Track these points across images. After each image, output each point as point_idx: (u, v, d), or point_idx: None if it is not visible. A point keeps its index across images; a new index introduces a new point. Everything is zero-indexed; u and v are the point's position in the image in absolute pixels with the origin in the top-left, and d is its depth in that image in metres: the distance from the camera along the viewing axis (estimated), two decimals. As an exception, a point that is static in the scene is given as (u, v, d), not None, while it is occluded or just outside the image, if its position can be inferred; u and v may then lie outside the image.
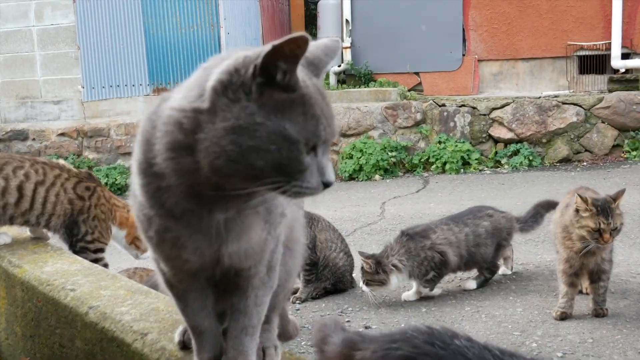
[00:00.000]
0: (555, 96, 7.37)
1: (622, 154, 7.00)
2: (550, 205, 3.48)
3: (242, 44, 8.64)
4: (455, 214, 3.57)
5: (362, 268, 3.20)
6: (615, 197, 2.75)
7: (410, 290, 3.30)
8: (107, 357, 1.58)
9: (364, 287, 3.20)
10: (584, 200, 2.72)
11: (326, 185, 1.01)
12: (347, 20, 8.70)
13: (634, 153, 6.89)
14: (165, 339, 1.44)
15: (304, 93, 0.98)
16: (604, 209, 2.69)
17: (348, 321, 3.06)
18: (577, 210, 2.74)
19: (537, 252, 3.96)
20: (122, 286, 1.83)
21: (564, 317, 2.87)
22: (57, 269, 2.03)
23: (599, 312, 2.87)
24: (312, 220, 3.52)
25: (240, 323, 1.20)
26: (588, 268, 2.85)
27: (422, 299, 3.30)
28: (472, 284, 3.39)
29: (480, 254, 3.31)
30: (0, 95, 8.81)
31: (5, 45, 8.71)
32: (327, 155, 1.04)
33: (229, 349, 1.21)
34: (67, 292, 1.81)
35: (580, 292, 3.03)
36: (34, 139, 8.31)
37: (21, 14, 8.61)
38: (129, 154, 7.85)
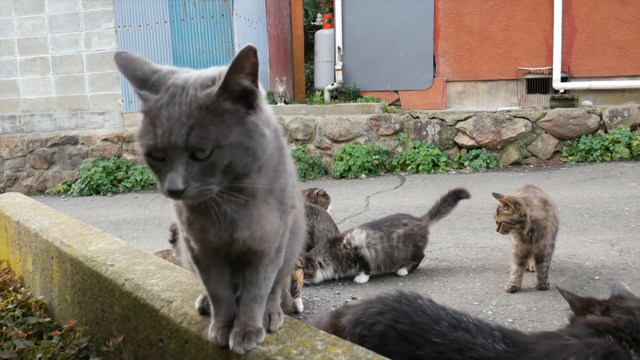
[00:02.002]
0: (508, 111, 7.36)
1: (561, 159, 7.00)
2: (461, 193, 3.31)
3: (253, 66, 8.60)
4: (374, 220, 3.41)
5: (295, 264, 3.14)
6: (500, 200, 2.78)
7: (359, 276, 3.23)
8: (140, 320, 1.57)
9: None
10: (498, 199, 2.81)
11: (169, 192, 0.91)
12: (339, 48, 8.68)
13: (571, 158, 6.90)
14: (187, 306, 1.43)
15: (146, 109, 0.92)
16: (497, 208, 2.79)
17: (338, 293, 3.04)
18: None
19: (492, 237, 3.95)
20: (152, 262, 1.81)
21: (514, 290, 2.86)
22: (99, 248, 2.01)
23: (542, 286, 2.87)
24: (313, 212, 3.47)
25: (251, 293, 1.19)
26: (534, 252, 2.85)
27: (399, 276, 3.28)
28: (404, 271, 3.28)
29: (396, 255, 3.18)
30: (56, 108, 8.77)
31: (61, 67, 8.67)
32: (176, 163, 0.91)
33: (240, 314, 1.19)
34: (108, 267, 1.79)
35: (528, 270, 3.03)
36: (82, 144, 8.27)
37: (73, 42, 8.57)
38: (160, 156, 7.82)
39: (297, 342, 1.18)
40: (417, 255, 3.29)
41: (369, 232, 3.20)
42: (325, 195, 3.82)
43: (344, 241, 3.20)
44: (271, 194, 1.09)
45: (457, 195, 3.35)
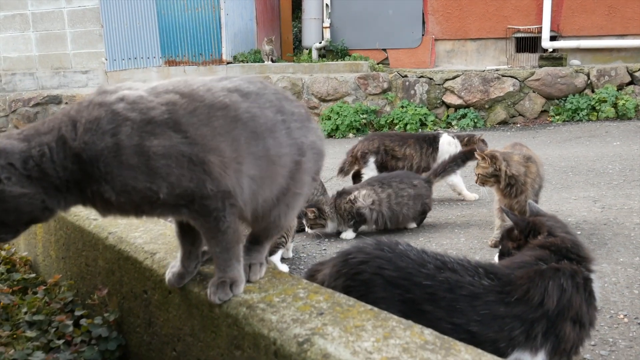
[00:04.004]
0: (497, 70, 7.31)
1: (548, 118, 7.01)
2: (470, 154, 3.35)
3: (238, 23, 8.40)
4: (384, 175, 3.42)
5: (306, 215, 3.15)
6: (479, 154, 2.85)
7: (346, 232, 3.27)
8: (124, 273, 1.56)
9: (309, 230, 3.20)
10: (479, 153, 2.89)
11: None
12: (327, 5, 8.48)
13: (558, 117, 6.90)
14: (170, 257, 1.42)
15: None
16: (477, 161, 2.87)
17: (324, 249, 3.06)
18: None
19: (478, 195, 3.97)
20: (136, 216, 1.79)
21: (497, 245, 2.89)
22: (82, 204, 1.98)
23: (525, 241, 2.90)
24: None
25: (209, 250, 1.24)
26: (515, 208, 2.86)
27: (382, 232, 3.29)
28: (413, 224, 3.34)
29: (403, 213, 3.21)
30: (38, 66, 8.55)
31: (41, 24, 8.40)
32: None
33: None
34: (91, 221, 1.78)
35: (511, 225, 3.05)
36: (66, 103, 8.09)
37: (53, -3, 8.27)
38: (146, 115, 7.70)
39: (279, 290, 1.18)
40: (424, 211, 3.34)
41: (377, 190, 3.20)
42: (484, 141, 3.96)
43: (350, 196, 3.22)
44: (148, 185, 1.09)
45: (466, 157, 3.40)
